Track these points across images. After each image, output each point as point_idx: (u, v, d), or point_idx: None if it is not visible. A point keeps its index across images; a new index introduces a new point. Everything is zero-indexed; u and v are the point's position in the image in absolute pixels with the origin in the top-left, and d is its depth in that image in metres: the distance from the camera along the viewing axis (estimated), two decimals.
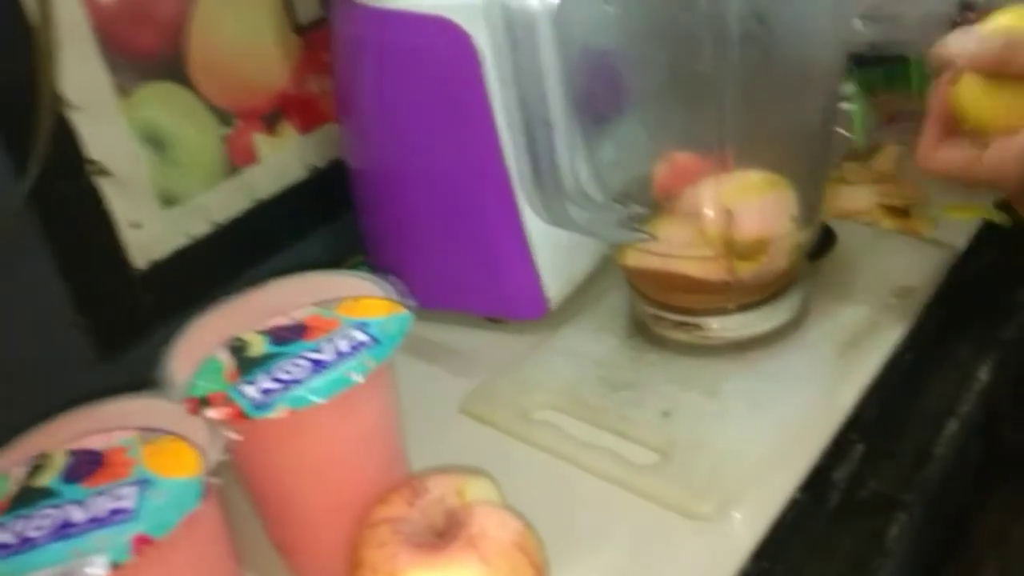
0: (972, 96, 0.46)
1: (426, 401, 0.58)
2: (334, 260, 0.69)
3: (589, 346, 0.60)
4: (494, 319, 0.64)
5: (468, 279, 0.61)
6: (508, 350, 0.61)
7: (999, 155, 0.45)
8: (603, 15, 0.46)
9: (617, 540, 0.48)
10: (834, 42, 0.51)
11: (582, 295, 0.63)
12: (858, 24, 0.76)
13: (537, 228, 0.58)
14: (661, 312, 0.58)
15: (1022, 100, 0.45)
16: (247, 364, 0.42)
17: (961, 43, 0.45)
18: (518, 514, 0.42)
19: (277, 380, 0.40)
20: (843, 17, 0.48)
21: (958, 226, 0.67)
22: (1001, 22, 0.46)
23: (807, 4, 0.46)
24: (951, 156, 0.47)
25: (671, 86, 0.50)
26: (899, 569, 0.54)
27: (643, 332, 0.60)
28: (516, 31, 0.43)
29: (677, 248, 0.55)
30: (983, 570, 0.80)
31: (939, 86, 0.48)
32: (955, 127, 0.48)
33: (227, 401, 0.40)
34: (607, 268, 0.64)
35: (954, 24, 0.71)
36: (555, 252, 0.60)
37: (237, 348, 0.43)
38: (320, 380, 0.40)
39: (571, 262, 0.62)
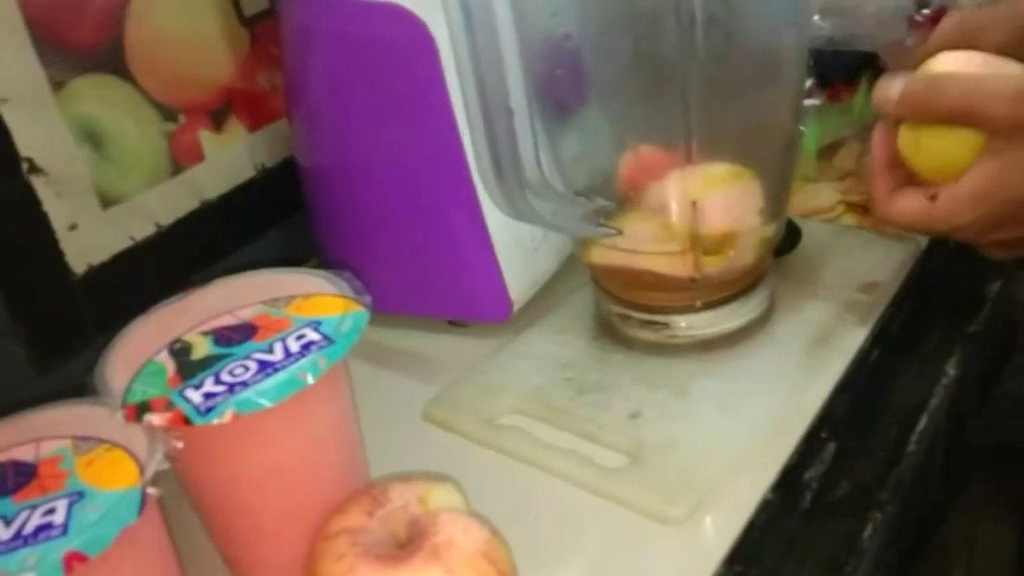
0: (908, 143, 0.46)
1: (388, 408, 0.56)
2: (287, 263, 0.66)
3: (554, 348, 0.59)
4: (456, 323, 0.62)
5: (428, 281, 0.59)
6: (471, 354, 0.59)
7: (949, 204, 0.45)
8: None
9: (587, 545, 0.46)
10: (797, 32, 0.50)
11: (546, 296, 0.62)
12: (816, 19, 0.76)
13: (499, 227, 0.56)
14: (627, 311, 0.57)
15: (955, 146, 0.44)
16: (190, 367, 0.39)
17: (884, 90, 0.45)
18: (484, 521, 0.40)
19: (222, 383, 0.38)
20: (804, 7, 0.47)
21: None
22: (937, 68, 0.45)
23: None
24: (904, 206, 0.46)
25: (635, 74, 0.48)
26: (874, 569, 0.53)
27: (609, 332, 0.59)
28: (473, 13, 0.41)
29: (642, 243, 0.53)
30: (952, 570, 0.79)
31: (878, 133, 0.47)
32: (908, 173, 0.47)
33: (168, 406, 0.37)
34: (572, 268, 0.62)
35: (911, 20, 0.71)
36: (518, 252, 0.58)
37: (179, 351, 0.40)
38: (269, 382, 0.37)
39: (534, 262, 0.60)
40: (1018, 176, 0.43)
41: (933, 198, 0.45)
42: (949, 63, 0.44)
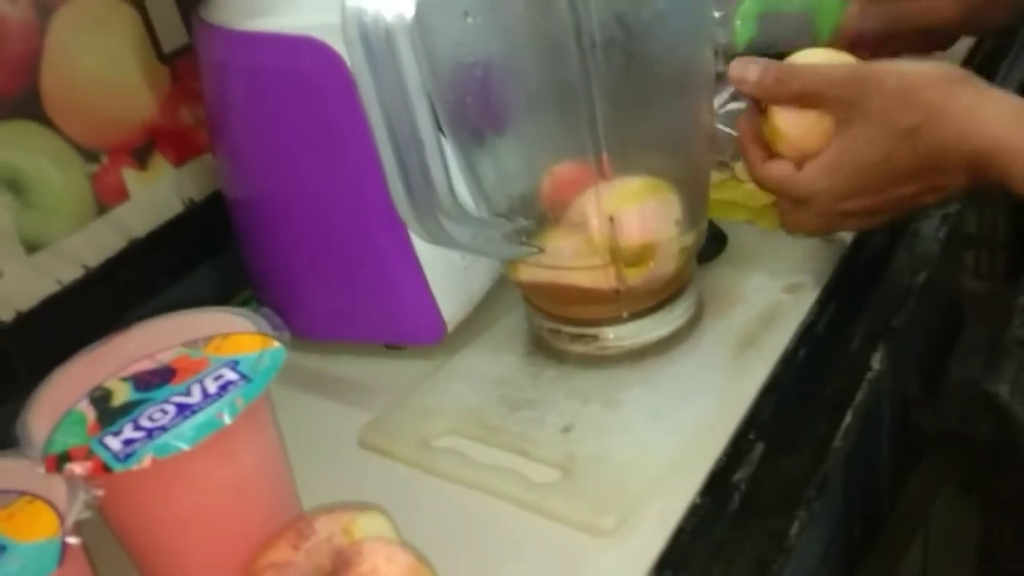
0: (767, 124, 0.53)
1: (323, 436, 0.56)
2: (221, 298, 0.66)
3: (489, 366, 0.59)
4: (391, 346, 0.62)
5: (360, 307, 0.60)
6: (407, 377, 0.60)
7: (811, 172, 0.51)
8: (466, 27, 0.45)
9: (521, 563, 0.47)
10: (700, 43, 0.51)
11: (480, 315, 0.62)
12: (736, 24, 0.77)
13: (428, 250, 0.56)
14: (558, 326, 0.58)
15: (804, 126, 0.51)
16: (110, 414, 0.40)
17: (741, 71, 0.52)
18: (409, 547, 0.41)
19: (141, 429, 0.38)
20: (706, 17, 0.49)
21: None
22: (809, 59, 0.52)
23: (668, 6, 0.46)
24: (774, 171, 0.53)
25: (543, 97, 0.49)
26: (804, 564, 0.54)
27: (542, 348, 0.59)
28: (374, 47, 0.42)
29: (566, 259, 0.54)
30: (909, 549, 0.81)
31: (743, 116, 0.54)
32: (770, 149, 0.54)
33: (88, 455, 0.38)
34: (504, 287, 0.63)
35: None
36: (449, 273, 0.59)
37: (100, 398, 0.41)
38: (187, 425, 0.38)
39: (466, 282, 0.61)
40: (859, 147, 0.49)
41: (799, 167, 0.51)
42: (812, 56, 0.52)
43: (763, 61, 0.52)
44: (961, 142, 0.47)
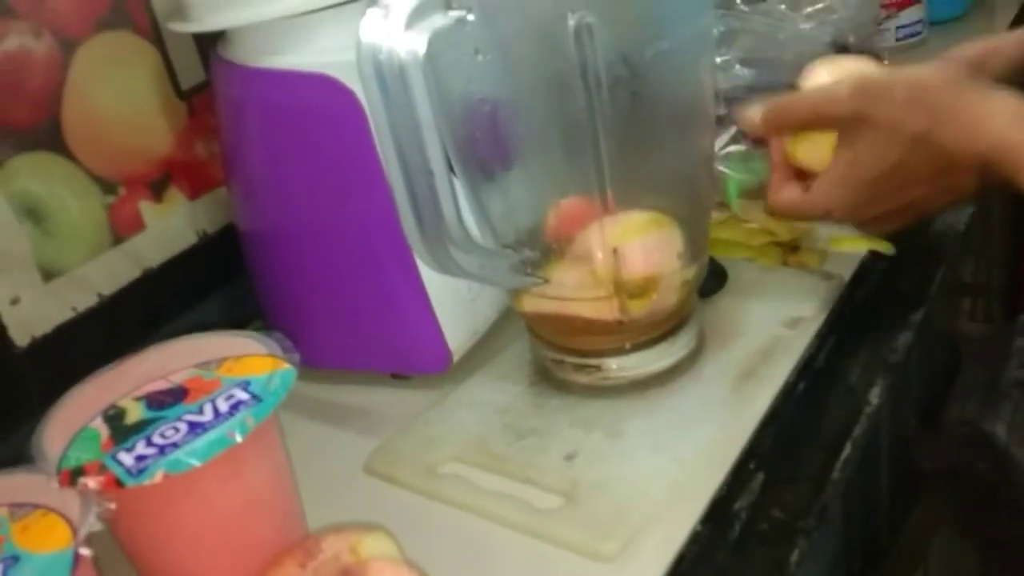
0: (789, 150, 0.54)
1: (330, 463, 0.57)
2: (232, 326, 0.67)
3: (493, 395, 0.60)
4: (398, 375, 0.63)
5: (368, 337, 0.61)
6: (413, 405, 0.61)
7: (818, 190, 0.52)
8: (476, 65, 0.47)
9: None
10: (702, 83, 0.53)
11: (485, 345, 0.63)
12: (737, 68, 0.79)
13: (435, 281, 0.58)
14: (561, 356, 0.59)
15: (818, 146, 0.52)
16: (123, 432, 0.41)
17: (747, 117, 0.54)
18: (415, 566, 0.41)
19: (153, 445, 0.39)
20: (708, 59, 0.50)
21: (845, 258, 0.69)
22: (809, 79, 0.54)
23: (672, 46, 0.48)
24: (783, 197, 0.54)
25: (550, 134, 0.51)
26: None
27: (546, 378, 0.60)
28: (388, 83, 0.44)
29: (570, 291, 0.56)
30: None
31: (773, 143, 0.55)
32: (799, 174, 0.55)
33: (101, 470, 0.39)
34: (510, 317, 0.64)
35: None
36: (455, 304, 0.60)
37: (113, 416, 0.42)
38: (198, 442, 0.39)
39: (472, 313, 0.62)
40: (868, 158, 0.50)
41: (806, 188, 0.53)
42: (822, 71, 0.54)
43: (759, 103, 0.53)
44: (971, 143, 0.47)
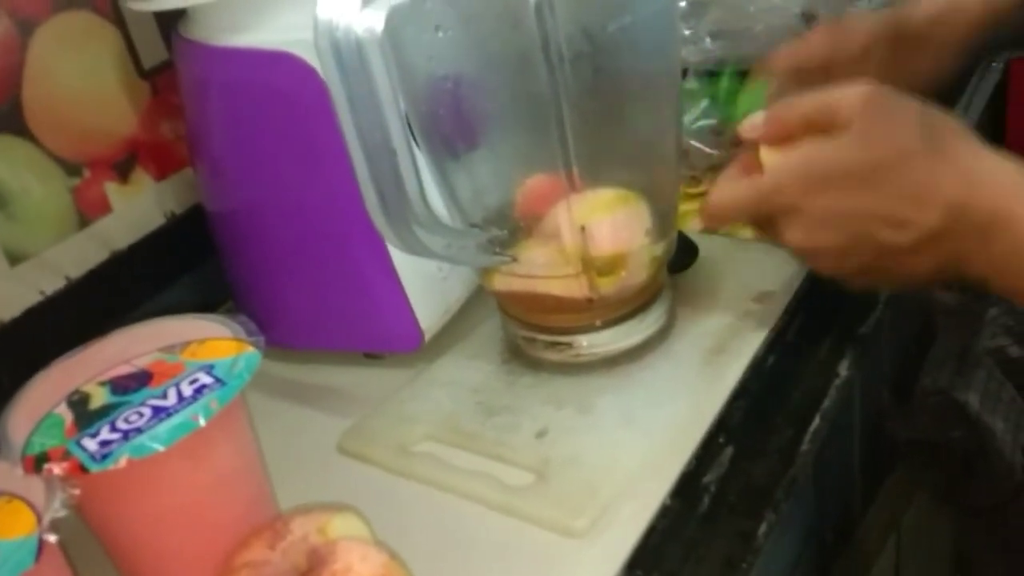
0: (764, 155, 0.49)
1: (303, 443, 0.57)
2: (202, 308, 0.66)
3: (465, 374, 0.60)
4: (370, 355, 0.63)
5: (339, 316, 0.61)
6: (386, 385, 0.61)
7: (775, 165, 0.47)
8: (437, 41, 0.46)
9: (495, 564, 0.48)
10: (667, 57, 0.53)
11: (457, 324, 0.63)
12: (707, 41, 0.79)
13: (405, 260, 0.57)
14: (532, 334, 0.59)
15: None
16: (88, 417, 0.40)
17: (749, 123, 0.49)
18: (383, 546, 0.42)
19: (117, 430, 0.39)
20: (674, 32, 0.50)
21: None
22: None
23: (635, 20, 0.48)
24: (726, 186, 0.49)
25: (514, 110, 0.51)
26: (775, 568, 0.55)
27: (518, 356, 0.60)
28: (346, 61, 0.43)
29: (539, 269, 0.55)
30: (879, 557, 0.82)
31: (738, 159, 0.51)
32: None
33: (66, 456, 0.38)
34: (480, 296, 0.64)
35: (799, 38, 0.75)
36: (426, 283, 0.60)
37: (77, 402, 0.41)
38: (162, 427, 0.39)
39: (443, 292, 0.62)
40: (833, 151, 0.45)
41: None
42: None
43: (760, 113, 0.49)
44: (946, 185, 0.44)
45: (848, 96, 0.45)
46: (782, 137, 0.47)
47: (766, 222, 0.49)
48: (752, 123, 0.49)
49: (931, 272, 0.46)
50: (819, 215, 0.46)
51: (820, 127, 0.46)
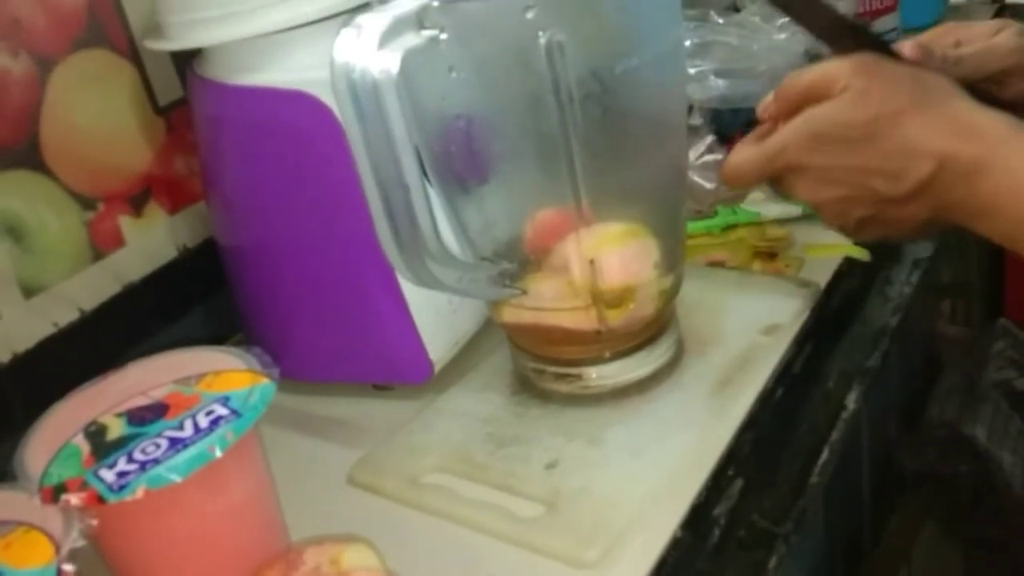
0: None
1: (313, 474, 0.57)
2: (214, 340, 0.67)
3: (475, 405, 0.61)
4: (380, 387, 0.64)
5: (350, 349, 0.61)
6: (396, 416, 0.61)
7: (782, 131, 0.49)
8: (450, 82, 0.47)
9: None
10: (674, 97, 0.54)
11: (467, 356, 0.64)
12: (712, 80, 0.80)
13: (416, 292, 0.58)
14: (542, 365, 0.59)
15: None
16: (105, 448, 0.41)
17: (761, 106, 0.51)
18: None
19: (135, 461, 0.39)
20: (680, 73, 0.51)
21: (821, 265, 0.70)
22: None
23: (642, 62, 0.49)
24: (748, 151, 0.51)
25: (524, 148, 0.51)
26: None
27: (527, 387, 0.61)
28: (362, 101, 0.44)
29: (549, 301, 0.56)
30: None
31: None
32: None
33: (83, 486, 0.39)
34: (490, 328, 0.64)
35: None
36: (436, 315, 0.60)
37: (94, 433, 0.42)
38: (179, 458, 0.39)
39: (453, 324, 0.62)
40: (830, 110, 0.47)
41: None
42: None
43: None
44: (932, 139, 0.46)
45: (844, 64, 0.48)
46: (792, 110, 0.50)
47: (777, 181, 0.51)
48: (765, 104, 0.51)
49: (926, 220, 0.49)
50: (821, 171, 0.49)
51: (821, 94, 0.48)
